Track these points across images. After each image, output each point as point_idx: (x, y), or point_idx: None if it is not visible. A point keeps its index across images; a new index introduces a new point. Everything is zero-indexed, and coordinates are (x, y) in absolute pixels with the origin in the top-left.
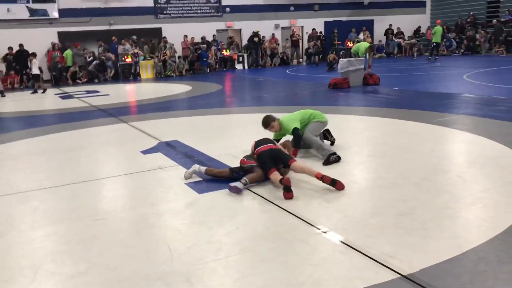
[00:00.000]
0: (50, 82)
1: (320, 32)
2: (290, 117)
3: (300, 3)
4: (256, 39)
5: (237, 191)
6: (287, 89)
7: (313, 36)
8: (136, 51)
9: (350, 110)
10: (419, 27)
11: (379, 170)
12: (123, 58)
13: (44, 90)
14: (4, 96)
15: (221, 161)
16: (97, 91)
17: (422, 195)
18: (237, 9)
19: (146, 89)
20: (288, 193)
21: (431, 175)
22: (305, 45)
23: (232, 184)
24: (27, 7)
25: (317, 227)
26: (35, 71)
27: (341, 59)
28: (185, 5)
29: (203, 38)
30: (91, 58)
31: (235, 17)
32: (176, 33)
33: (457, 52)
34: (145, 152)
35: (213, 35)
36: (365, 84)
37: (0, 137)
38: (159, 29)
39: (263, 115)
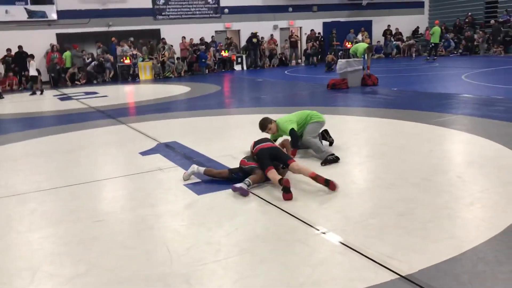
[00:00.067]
0: (49, 84)
1: (319, 33)
2: (286, 119)
3: (299, 4)
4: (254, 40)
5: (244, 192)
6: (286, 90)
7: (311, 37)
8: (134, 52)
9: (348, 110)
10: (418, 27)
11: (378, 170)
12: (121, 60)
13: (42, 92)
14: (3, 98)
15: (220, 162)
16: (95, 93)
17: (421, 195)
18: (235, 10)
19: (145, 90)
20: (287, 194)
21: (430, 176)
22: (304, 46)
23: (237, 185)
24: (25, 8)
25: (316, 228)
26: (33, 72)
27: (339, 60)
28: (183, 6)
29: (201, 39)
30: (90, 59)
31: (233, 18)
32: (175, 34)
33: (455, 52)
34: (144, 153)
35: (212, 36)
36: (363, 84)
37: None
38: (158, 31)
39: (262, 116)
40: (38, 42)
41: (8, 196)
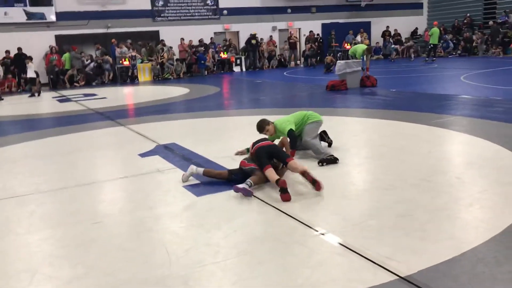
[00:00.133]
0: (48, 86)
1: (318, 34)
2: (284, 120)
3: (297, 6)
4: (253, 41)
5: (247, 193)
6: (285, 91)
7: (310, 38)
8: (133, 54)
9: (347, 112)
10: (416, 28)
11: (377, 171)
12: (120, 61)
13: (39, 94)
14: (2, 99)
15: (219, 163)
16: (94, 94)
17: (420, 196)
18: (234, 12)
19: (144, 92)
20: (284, 194)
21: (429, 177)
22: (303, 47)
23: (240, 186)
24: (24, 10)
25: (315, 229)
26: (31, 74)
27: (338, 61)
28: (182, 8)
29: (200, 40)
30: (89, 61)
31: (232, 20)
32: (174, 36)
33: (454, 53)
34: (142, 155)
35: (211, 38)
36: (362, 86)
37: None
38: (157, 32)
39: (261, 117)
40: (37, 44)
41: (6, 198)
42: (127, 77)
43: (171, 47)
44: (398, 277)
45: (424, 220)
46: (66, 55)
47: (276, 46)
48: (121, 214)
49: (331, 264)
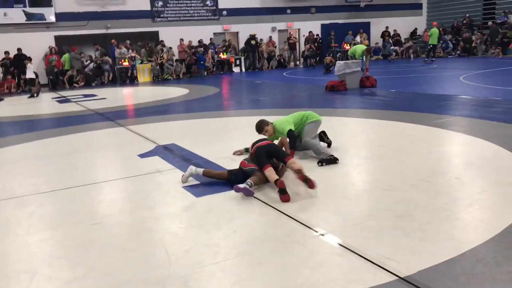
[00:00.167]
0: (47, 86)
1: (317, 35)
2: (283, 120)
3: (297, 6)
4: (253, 42)
5: (248, 192)
6: (284, 92)
7: (309, 39)
8: (133, 54)
9: (347, 112)
10: (416, 29)
11: (377, 172)
12: (120, 62)
13: (37, 94)
14: (2, 99)
15: (219, 164)
16: (94, 95)
17: (420, 196)
18: (234, 12)
19: (144, 92)
20: (283, 195)
21: (428, 177)
22: (302, 48)
23: (241, 185)
24: (23, 11)
25: (315, 229)
26: (30, 75)
27: (338, 61)
28: (182, 8)
29: (200, 41)
30: (89, 62)
31: (232, 20)
32: (174, 37)
33: (453, 54)
34: (142, 155)
35: (210, 38)
36: (362, 86)
37: None
38: (156, 33)
39: (260, 118)
40: (37, 45)
41: (6, 199)
42: (127, 78)
43: (170, 48)
44: (397, 278)
45: (424, 221)
46: (66, 56)
47: (275, 47)
48: (120, 215)
49: (331, 264)
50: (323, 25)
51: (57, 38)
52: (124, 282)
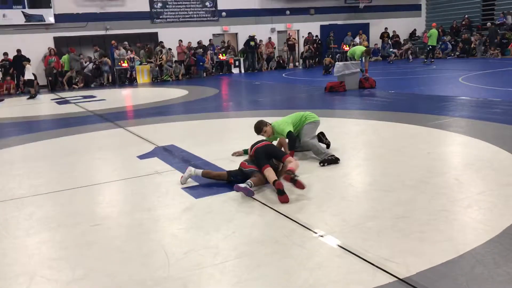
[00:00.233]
0: (47, 87)
1: (316, 36)
2: (282, 121)
3: (296, 7)
4: (252, 43)
5: (249, 192)
6: (284, 93)
7: (309, 40)
8: (132, 55)
9: (346, 113)
10: (415, 30)
11: (376, 173)
12: (119, 63)
13: (35, 96)
14: (3, 100)
15: (218, 165)
16: (93, 96)
17: (419, 198)
18: (233, 13)
19: (143, 93)
20: (282, 196)
21: (427, 178)
22: (301, 49)
23: (242, 185)
24: (23, 12)
25: (314, 231)
26: (29, 76)
27: (337, 62)
28: (181, 9)
29: (199, 42)
30: (88, 63)
31: (231, 21)
32: (173, 38)
33: (452, 55)
34: (141, 157)
35: (209, 40)
36: (361, 87)
37: None
38: (156, 34)
39: (259, 119)
40: (36, 46)
41: (5, 201)
42: (126, 79)
43: (170, 49)
44: (397, 279)
45: (423, 222)
46: (65, 57)
47: (274, 48)
48: (120, 216)
49: (330, 266)
50: (322, 26)
51: (56, 39)
52: (123, 283)
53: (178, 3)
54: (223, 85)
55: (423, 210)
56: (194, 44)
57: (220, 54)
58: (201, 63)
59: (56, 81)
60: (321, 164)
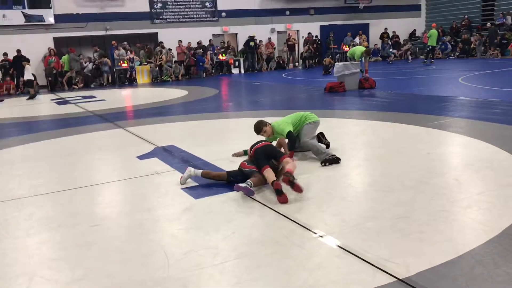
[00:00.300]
0: (46, 88)
1: (316, 36)
2: (282, 121)
3: (296, 8)
4: (252, 43)
5: (249, 192)
6: (283, 93)
7: (308, 40)
8: (132, 56)
9: (346, 113)
10: (415, 30)
11: (375, 173)
12: (119, 63)
13: (34, 96)
14: (3, 100)
15: (218, 165)
16: (93, 96)
17: (418, 198)
18: (233, 14)
19: (143, 94)
20: (280, 196)
21: (427, 178)
22: (301, 49)
23: (242, 184)
24: (22, 12)
25: (314, 231)
26: (28, 76)
27: (336, 63)
28: (181, 10)
29: (199, 42)
30: (87, 63)
31: (231, 22)
32: (173, 38)
33: (452, 55)
34: (141, 157)
35: (209, 40)
36: (361, 87)
37: None
38: (155, 34)
39: (259, 119)
40: (36, 46)
41: (5, 201)
42: (126, 79)
43: (169, 49)
44: (396, 279)
45: (422, 222)
46: (65, 57)
47: (274, 48)
48: (119, 217)
49: (330, 266)
50: (322, 27)
51: (56, 40)
52: (123, 284)
53: (178, 3)
54: (223, 85)
55: (423, 210)
56: (194, 45)
57: (220, 55)
58: (201, 64)
59: (56, 81)
60: (323, 164)
